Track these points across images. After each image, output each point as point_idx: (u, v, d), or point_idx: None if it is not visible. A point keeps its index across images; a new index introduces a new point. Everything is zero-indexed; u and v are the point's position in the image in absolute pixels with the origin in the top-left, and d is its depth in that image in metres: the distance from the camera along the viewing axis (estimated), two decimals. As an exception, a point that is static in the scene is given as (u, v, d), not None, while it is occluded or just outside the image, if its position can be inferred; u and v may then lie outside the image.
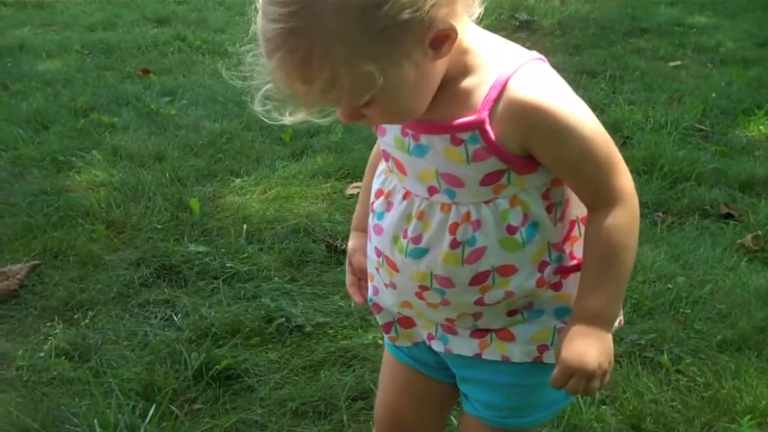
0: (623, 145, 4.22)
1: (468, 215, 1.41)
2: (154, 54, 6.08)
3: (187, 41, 6.36)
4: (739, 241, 3.35)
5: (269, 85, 1.32)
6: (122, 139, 4.37)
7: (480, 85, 1.36)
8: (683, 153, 4.11)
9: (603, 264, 1.42)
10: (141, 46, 6.24)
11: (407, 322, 1.60)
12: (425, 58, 1.27)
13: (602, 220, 1.40)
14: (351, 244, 1.72)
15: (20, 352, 2.68)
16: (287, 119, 1.37)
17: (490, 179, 1.38)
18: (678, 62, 5.82)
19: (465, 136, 1.36)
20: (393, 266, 1.49)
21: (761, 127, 4.56)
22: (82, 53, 6.07)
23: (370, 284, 1.62)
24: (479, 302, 1.46)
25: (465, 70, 1.37)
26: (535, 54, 1.40)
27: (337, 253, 3.22)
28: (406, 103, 1.32)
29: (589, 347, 1.39)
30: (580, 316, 1.42)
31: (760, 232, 3.39)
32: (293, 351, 2.70)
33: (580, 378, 1.39)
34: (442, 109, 1.37)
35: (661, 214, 3.59)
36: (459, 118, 1.36)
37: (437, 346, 1.58)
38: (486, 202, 1.40)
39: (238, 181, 3.89)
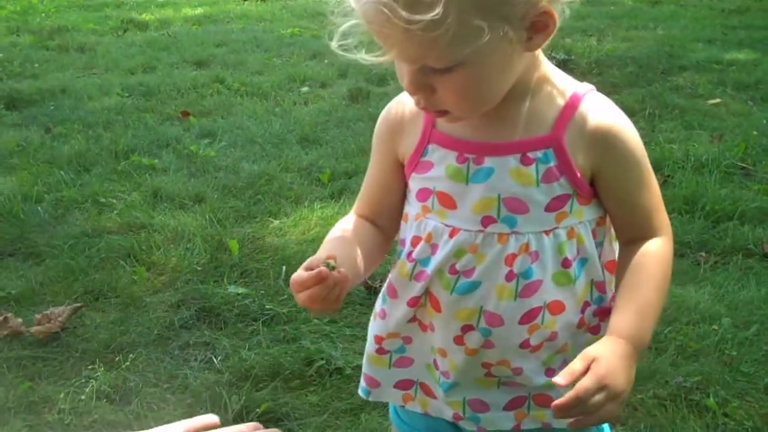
0: (664, 183, 4.18)
1: (527, 246, 1.38)
2: (194, 96, 6.14)
3: (226, 83, 6.42)
4: (784, 280, 3.30)
5: (355, 21, 1.27)
6: (162, 181, 4.40)
7: (551, 105, 1.38)
8: (725, 192, 4.06)
9: (651, 289, 1.40)
10: (180, 88, 6.31)
11: (429, 391, 1.56)
12: (519, 41, 1.26)
13: (651, 247, 1.42)
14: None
15: (62, 395, 2.69)
16: (368, 58, 1.30)
17: (555, 204, 1.38)
18: (717, 100, 5.77)
19: (537, 154, 1.36)
20: (436, 305, 1.46)
21: (804, 165, 4.51)
22: (122, 96, 6.14)
23: (395, 339, 1.55)
24: (525, 344, 1.43)
25: (535, 90, 1.38)
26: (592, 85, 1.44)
27: (376, 294, 3.21)
28: (485, 85, 1.30)
29: (624, 369, 1.32)
30: (621, 333, 1.35)
31: (805, 272, 3.34)
32: (333, 394, 2.68)
33: (606, 395, 1.29)
34: (510, 130, 1.38)
35: (704, 254, 3.54)
36: (530, 137, 1.37)
37: (468, 425, 1.53)
38: (546, 233, 1.38)
39: (276, 222, 3.90)
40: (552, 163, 1.36)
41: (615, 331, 1.35)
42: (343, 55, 1.31)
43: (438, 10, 1.16)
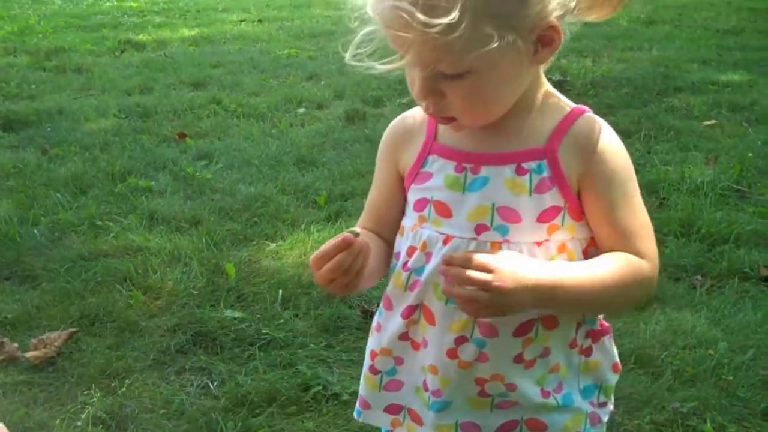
0: (660, 206, 4.19)
1: None
2: (190, 117, 6.15)
3: (223, 105, 6.44)
4: (780, 304, 3.30)
5: (371, 28, 1.31)
6: (159, 203, 4.40)
7: (549, 119, 1.42)
8: (721, 214, 4.07)
9: (605, 275, 1.38)
10: (177, 109, 6.33)
11: (416, 417, 1.56)
12: (527, 53, 1.32)
13: (632, 257, 1.41)
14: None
15: (57, 421, 2.68)
16: (381, 66, 1.34)
17: (546, 216, 1.40)
18: (713, 121, 5.79)
19: (532, 165, 1.40)
20: (430, 318, 1.46)
21: (800, 187, 4.52)
22: (119, 117, 6.15)
23: (387, 357, 1.56)
24: (519, 358, 1.43)
25: (537, 106, 1.43)
26: None
27: (372, 318, 3.21)
28: (493, 92, 1.35)
29: (519, 285, 1.30)
30: (554, 272, 1.35)
31: (802, 296, 3.34)
32: (330, 420, 2.67)
33: (488, 280, 1.28)
34: (507, 142, 1.42)
35: (699, 277, 3.54)
36: (526, 148, 1.41)
37: None
38: (538, 244, 1.40)
39: (273, 245, 3.90)
40: (545, 174, 1.39)
41: (546, 263, 1.38)
42: (356, 66, 1.34)
43: (454, 14, 1.22)
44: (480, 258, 1.30)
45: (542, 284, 1.32)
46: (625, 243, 1.42)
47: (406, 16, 1.23)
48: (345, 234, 1.37)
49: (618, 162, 1.41)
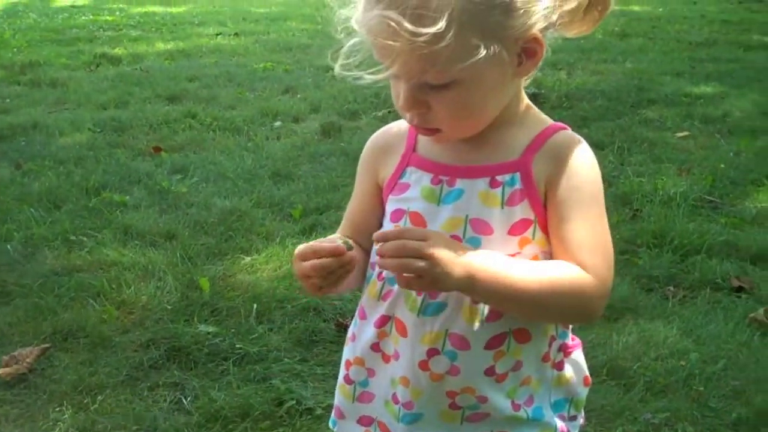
0: (633, 218, 4.22)
1: None
2: (166, 131, 6.14)
3: (198, 118, 6.43)
4: (751, 314, 3.32)
5: (358, 39, 1.33)
6: (133, 217, 4.39)
7: (526, 133, 1.43)
8: (693, 225, 4.11)
9: (546, 278, 1.36)
10: (152, 123, 6.31)
11: (386, 430, 1.56)
12: (511, 64, 1.34)
13: (577, 267, 1.38)
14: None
15: (29, 438, 2.67)
16: (369, 77, 1.35)
17: (518, 229, 1.40)
18: (686, 133, 5.85)
19: (505, 177, 1.41)
20: (402, 330, 1.47)
21: (771, 198, 4.56)
22: (94, 131, 6.13)
23: (361, 368, 1.57)
24: (490, 371, 1.44)
25: (516, 118, 1.44)
26: None
27: (347, 332, 3.20)
28: (478, 103, 1.36)
29: (452, 259, 1.31)
30: (486, 255, 1.36)
31: (772, 306, 3.36)
32: (304, 435, 2.67)
33: (422, 246, 1.30)
34: (487, 154, 1.43)
35: (672, 288, 3.57)
36: (500, 162, 1.42)
37: None
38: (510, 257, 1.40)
39: (248, 259, 3.90)
40: (517, 186, 1.40)
41: (484, 252, 1.37)
42: (345, 75, 1.36)
43: (441, 24, 1.24)
44: (414, 229, 1.36)
45: (473, 264, 1.32)
46: (570, 254, 1.39)
47: (394, 25, 1.24)
48: (339, 243, 1.39)
49: (584, 177, 1.41)
